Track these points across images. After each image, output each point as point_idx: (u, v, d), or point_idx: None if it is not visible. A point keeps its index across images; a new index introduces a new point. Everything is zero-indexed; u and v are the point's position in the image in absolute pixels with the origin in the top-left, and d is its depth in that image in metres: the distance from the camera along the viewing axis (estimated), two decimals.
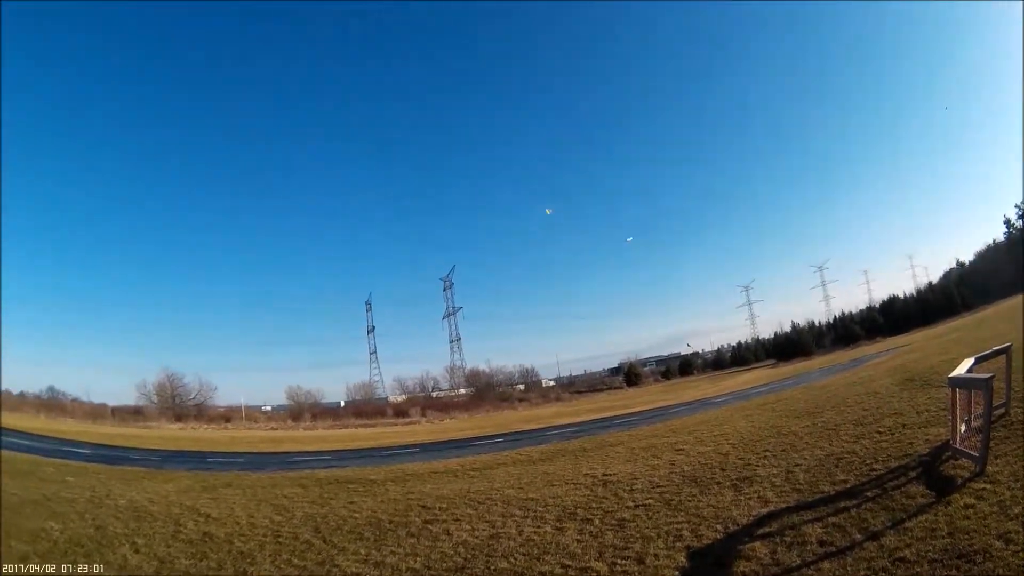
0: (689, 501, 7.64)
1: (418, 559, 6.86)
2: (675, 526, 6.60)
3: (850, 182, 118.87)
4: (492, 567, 6.26)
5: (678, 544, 5.96)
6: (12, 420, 38.48)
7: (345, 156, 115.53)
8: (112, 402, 62.42)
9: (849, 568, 4.56)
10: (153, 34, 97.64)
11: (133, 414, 57.88)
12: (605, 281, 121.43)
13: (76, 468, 16.42)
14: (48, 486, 12.60)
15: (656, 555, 5.75)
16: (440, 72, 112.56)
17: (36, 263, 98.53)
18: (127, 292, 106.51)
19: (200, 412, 62.38)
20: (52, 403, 58.63)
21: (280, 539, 8.21)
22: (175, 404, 64.38)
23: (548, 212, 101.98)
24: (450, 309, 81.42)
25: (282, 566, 6.82)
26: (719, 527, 6.27)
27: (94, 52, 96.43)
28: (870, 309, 77.23)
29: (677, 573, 5.27)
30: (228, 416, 61.69)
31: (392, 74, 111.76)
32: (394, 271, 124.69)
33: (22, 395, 60.29)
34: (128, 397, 65.84)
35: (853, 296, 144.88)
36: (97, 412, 57.19)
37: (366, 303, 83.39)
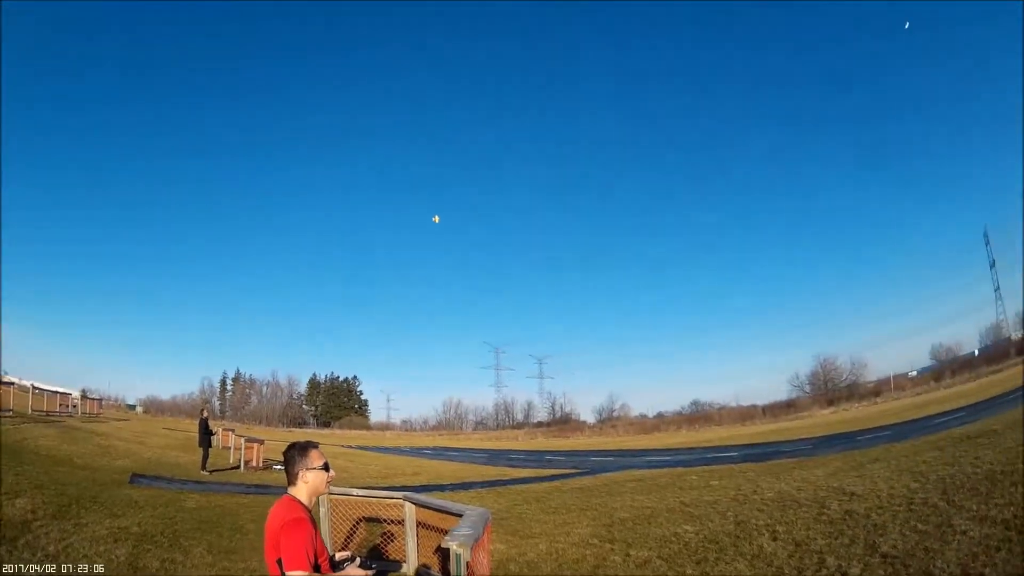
0: None
1: (1011, 508, 7.11)
2: None
3: None
4: None
5: None
6: (646, 441, 46.31)
7: None
8: (761, 402, 67.88)
9: None
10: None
11: (785, 408, 61.96)
12: None
13: (723, 472, 16.64)
14: (689, 493, 12.80)
15: None
16: None
17: None
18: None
19: (851, 392, 63.10)
20: (695, 416, 67.33)
21: (912, 506, 8.55)
22: (828, 389, 66.62)
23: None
24: None
25: (907, 533, 7.35)
26: None
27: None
28: None
29: None
30: (877, 390, 61.55)
31: None
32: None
33: (661, 415, 71.89)
34: (779, 393, 71.54)
35: None
36: (746, 414, 62.46)
37: (984, 235, 69.74)
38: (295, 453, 3.07)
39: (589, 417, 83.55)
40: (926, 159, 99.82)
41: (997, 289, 67.18)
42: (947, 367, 60.13)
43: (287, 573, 2.67)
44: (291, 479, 3.04)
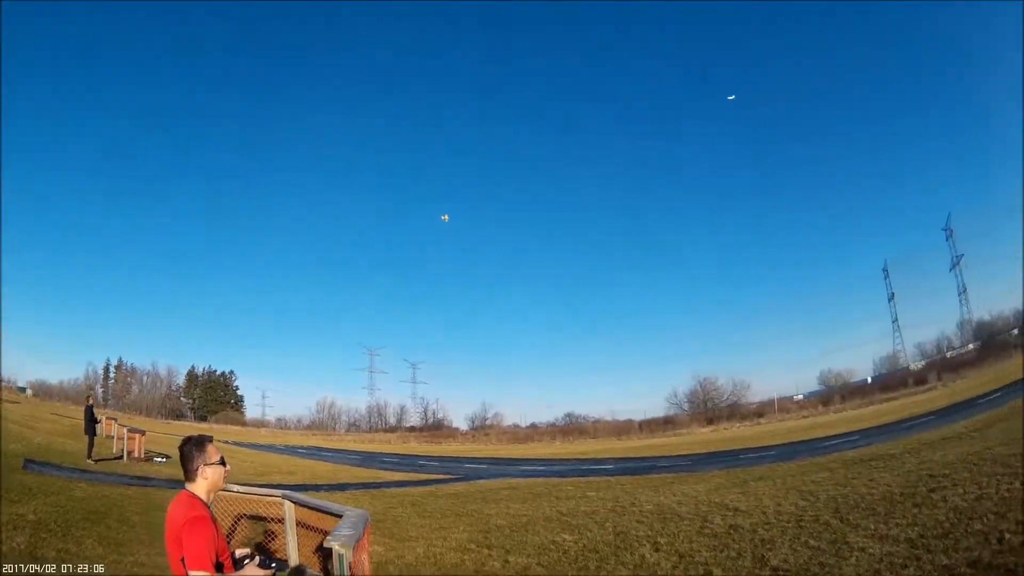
0: None
1: (916, 528, 7.05)
2: None
3: None
4: (969, 529, 6.56)
5: None
6: (520, 450, 46.55)
7: None
8: (639, 418, 66.44)
9: None
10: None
11: (662, 425, 61.39)
12: None
13: (599, 483, 16.63)
14: (565, 503, 12.79)
15: None
16: None
17: None
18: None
19: (733, 412, 63.14)
20: (569, 428, 66.05)
21: (802, 523, 8.46)
22: (707, 408, 66.22)
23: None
24: (954, 259, 66.75)
25: (798, 548, 7.15)
26: None
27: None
28: None
29: None
30: (760, 411, 61.65)
31: None
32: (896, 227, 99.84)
33: (534, 425, 71.28)
34: (657, 410, 69.40)
35: None
36: (622, 429, 61.38)
37: (883, 269, 71.80)
38: (192, 448, 2.98)
39: (462, 424, 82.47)
40: (828, 188, 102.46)
41: (895, 321, 69.59)
42: (837, 392, 60.82)
43: (190, 572, 2.66)
44: (189, 475, 2.96)
